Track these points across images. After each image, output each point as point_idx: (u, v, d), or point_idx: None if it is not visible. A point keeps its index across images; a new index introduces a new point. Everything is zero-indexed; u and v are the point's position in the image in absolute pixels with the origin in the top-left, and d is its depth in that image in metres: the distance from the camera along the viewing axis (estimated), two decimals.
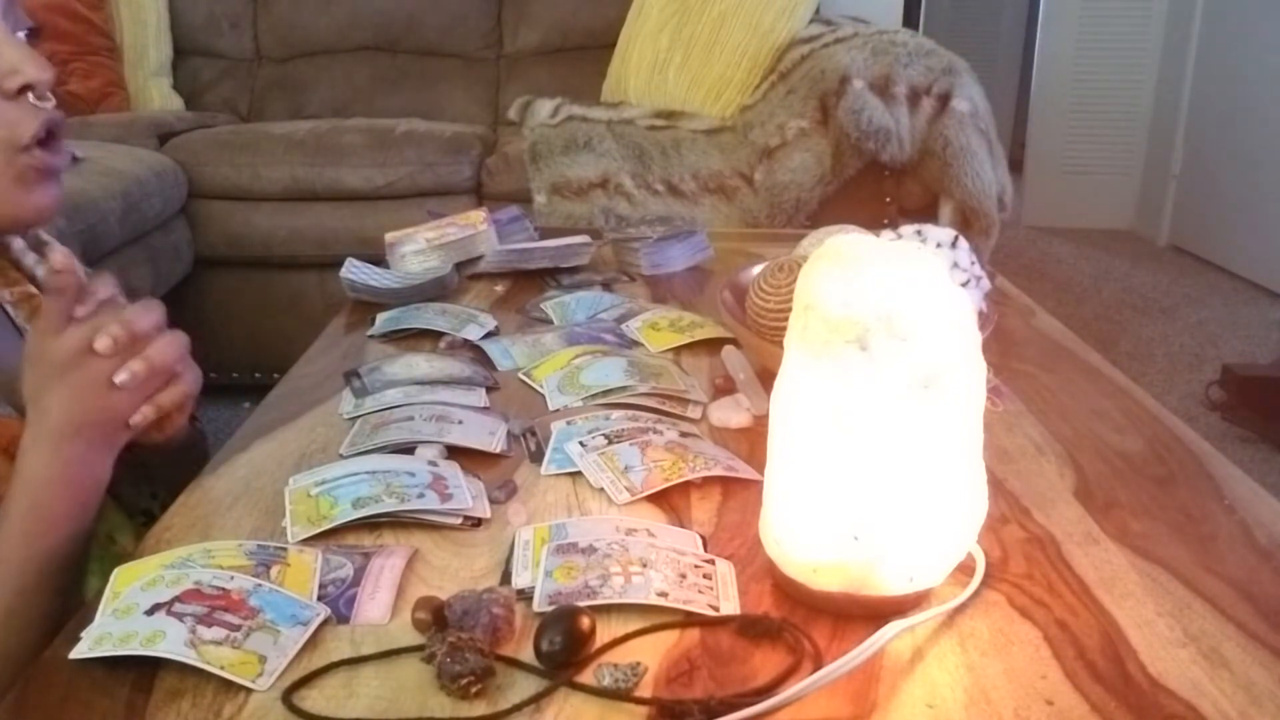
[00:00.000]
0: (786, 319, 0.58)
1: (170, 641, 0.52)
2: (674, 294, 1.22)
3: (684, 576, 0.59)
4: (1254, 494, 0.73)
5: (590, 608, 0.55)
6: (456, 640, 0.52)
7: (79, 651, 0.52)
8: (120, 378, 0.66)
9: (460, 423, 0.80)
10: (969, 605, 0.59)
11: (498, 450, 0.78)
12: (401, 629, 0.56)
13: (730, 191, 2.11)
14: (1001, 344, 1.03)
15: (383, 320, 1.08)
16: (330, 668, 0.53)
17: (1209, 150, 3.60)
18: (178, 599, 0.55)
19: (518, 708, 0.50)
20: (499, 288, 1.24)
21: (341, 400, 0.88)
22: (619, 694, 0.51)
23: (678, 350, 1.00)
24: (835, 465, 0.55)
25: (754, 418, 0.84)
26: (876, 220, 2.06)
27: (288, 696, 0.50)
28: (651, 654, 0.54)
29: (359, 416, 0.83)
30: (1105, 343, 2.78)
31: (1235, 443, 2.24)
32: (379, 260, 1.27)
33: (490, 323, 1.07)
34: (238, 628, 0.54)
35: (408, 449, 0.76)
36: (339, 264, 1.22)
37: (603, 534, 0.63)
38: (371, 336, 1.06)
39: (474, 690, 0.50)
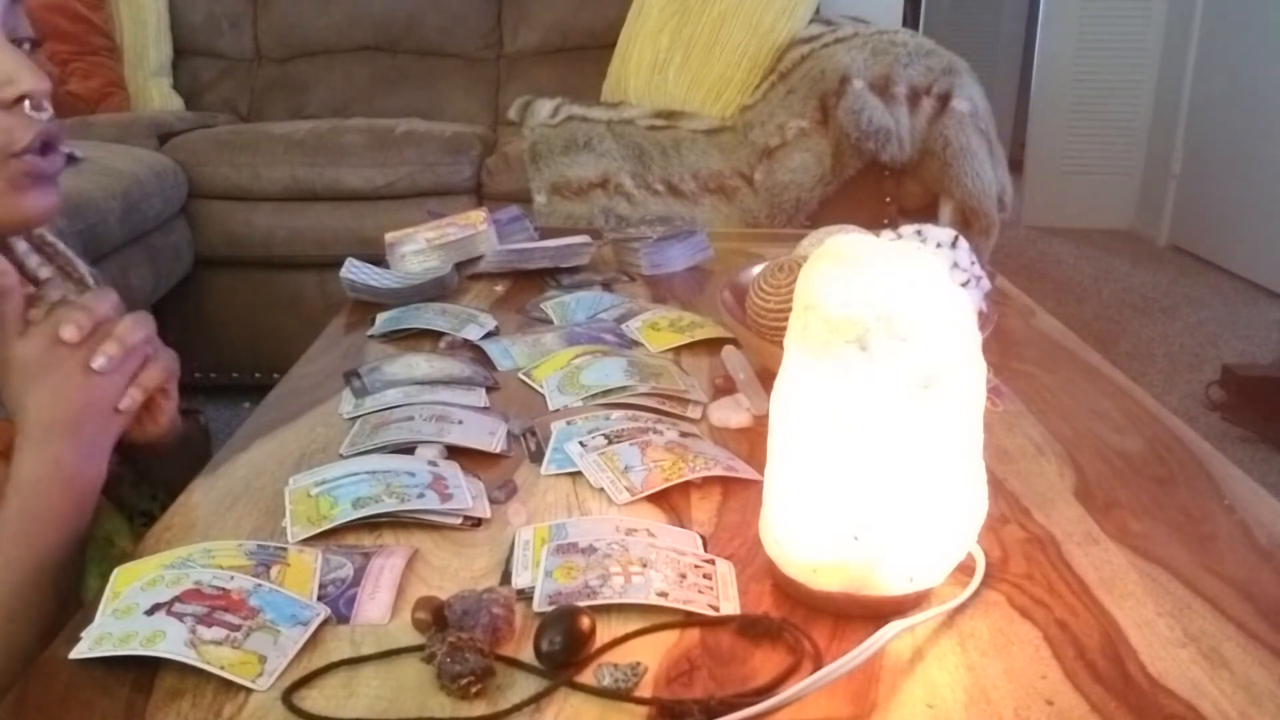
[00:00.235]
0: (786, 319, 0.58)
1: (170, 641, 0.52)
2: (674, 294, 1.22)
3: (684, 576, 0.59)
4: (1254, 494, 0.73)
5: (590, 608, 0.55)
6: (456, 640, 0.52)
7: (79, 651, 0.52)
8: (97, 362, 0.67)
9: (460, 423, 0.80)
10: (969, 605, 0.59)
11: (498, 450, 0.78)
12: (401, 629, 0.56)
13: (730, 191, 2.11)
14: (1001, 344, 1.03)
15: (383, 320, 1.08)
16: (330, 668, 0.53)
17: (1209, 150, 3.60)
18: (178, 599, 0.55)
19: (518, 708, 0.50)
20: (499, 288, 1.24)
21: (341, 400, 0.88)
22: (619, 694, 0.51)
23: (678, 350, 1.00)
24: (835, 465, 0.55)
25: (754, 418, 0.84)
26: (876, 220, 2.06)
27: (288, 696, 0.50)
28: (651, 654, 0.54)
29: (359, 416, 0.83)
30: (1105, 343, 2.78)
31: (1235, 443, 2.24)
32: (379, 260, 1.27)
33: (490, 323, 1.07)
34: (238, 628, 0.54)
35: (408, 449, 0.76)
36: (339, 264, 1.22)
37: (603, 534, 0.63)
38: (371, 336, 1.06)
39: (474, 690, 0.50)
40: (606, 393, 0.87)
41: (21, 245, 0.80)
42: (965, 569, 0.60)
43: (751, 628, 0.56)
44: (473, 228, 1.29)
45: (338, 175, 2.23)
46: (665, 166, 2.13)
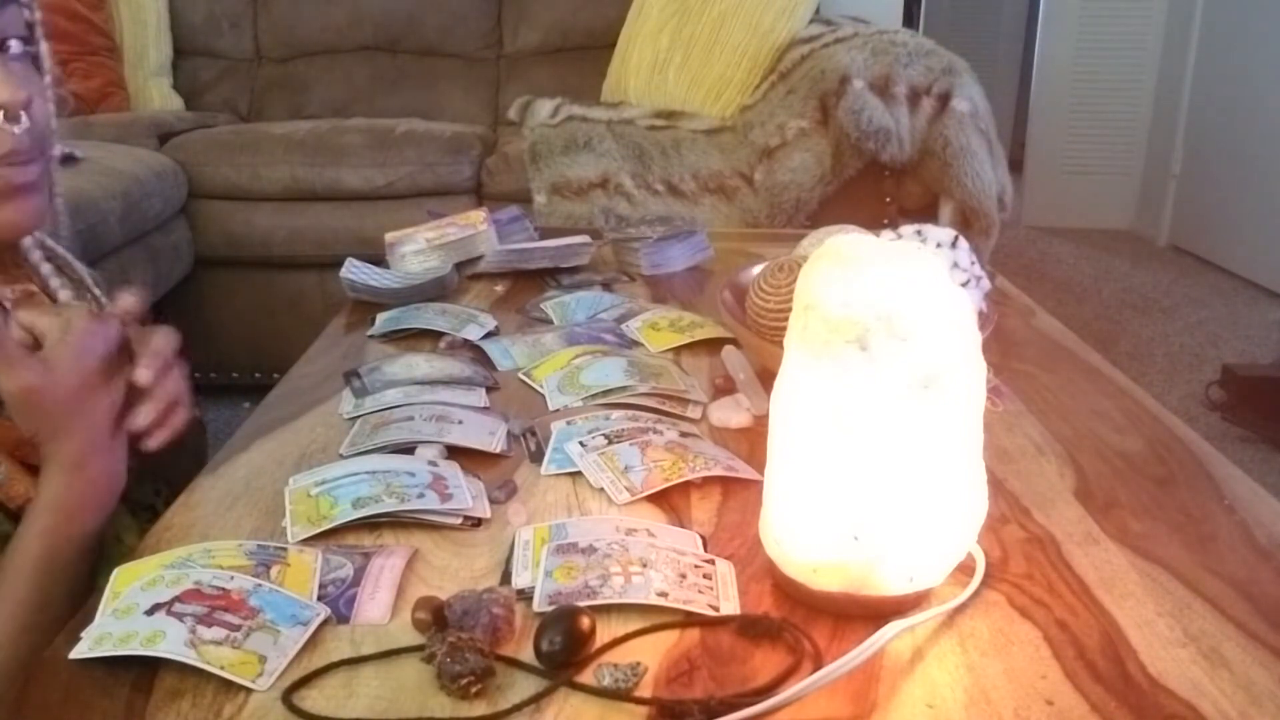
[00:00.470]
0: (786, 319, 0.58)
1: (170, 641, 0.52)
2: (674, 294, 1.22)
3: (684, 576, 0.59)
4: (1254, 494, 0.73)
5: (590, 608, 0.55)
6: (456, 640, 0.52)
7: (79, 651, 0.52)
8: (139, 422, 0.67)
9: (460, 423, 0.80)
10: (969, 605, 0.59)
11: (498, 450, 0.78)
12: (401, 629, 0.56)
13: (730, 191, 2.11)
14: (1001, 344, 1.03)
15: (383, 320, 1.08)
16: (330, 668, 0.53)
17: (1209, 150, 3.60)
18: (178, 599, 0.55)
19: (518, 708, 0.50)
20: (499, 288, 1.24)
21: (341, 400, 0.88)
22: (619, 694, 0.51)
23: (678, 350, 1.00)
24: (835, 465, 0.55)
25: (754, 418, 0.84)
26: (876, 220, 2.06)
27: (288, 696, 0.50)
28: (651, 654, 0.54)
29: (359, 416, 0.83)
30: (1105, 343, 2.78)
31: (1235, 443, 2.24)
32: (379, 260, 1.27)
33: (490, 323, 1.07)
34: (238, 628, 0.54)
35: (408, 449, 0.76)
36: (339, 264, 1.22)
37: (603, 534, 0.63)
38: (371, 336, 1.06)
39: (474, 690, 0.50)
40: (606, 393, 0.87)
41: (35, 253, 0.80)
42: (965, 569, 0.60)
43: (751, 628, 0.56)
44: (473, 228, 1.29)
45: (338, 175, 2.23)
46: (665, 166, 2.13)
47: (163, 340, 0.69)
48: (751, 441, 0.80)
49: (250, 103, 2.79)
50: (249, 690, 0.51)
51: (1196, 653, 0.55)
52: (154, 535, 0.67)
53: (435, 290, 1.17)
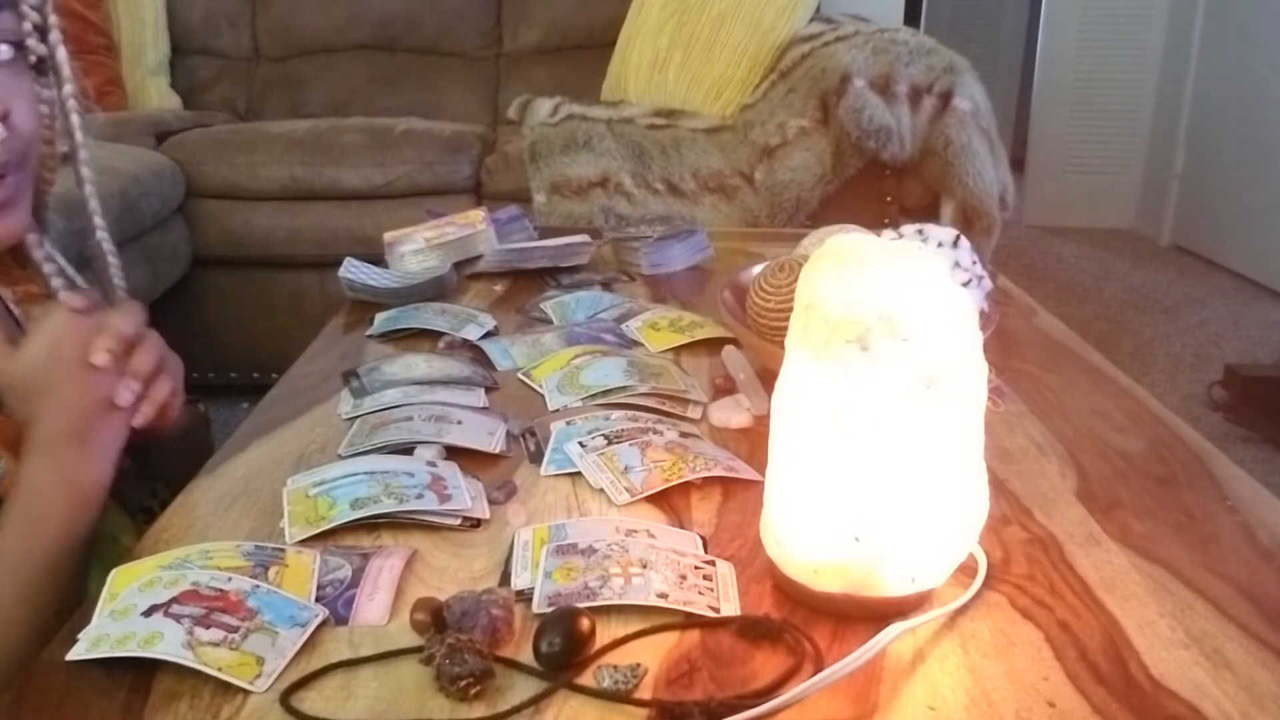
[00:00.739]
0: (787, 319, 0.58)
1: (168, 643, 0.52)
2: (674, 294, 1.22)
3: (684, 577, 0.59)
4: (1256, 494, 0.73)
5: (590, 609, 0.55)
6: (455, 642, 0.51)
7: (76, 653, 0.52)
8: (123, 399, 0.67)
9: (459, 423, 0.80)
10: (970, 606, 0.58)
11: (497, 451, 0.77)
12: (400, 630, 0.56)
13: (730, 191, 2.10)
14: (1003, 344, 1.03)
15: (381, 320, 1.08)
16: (328, 669, 0.53)
17: (1211, 149, 3.59)
18: (175, 600, 0.55)
19: (517, 709, 0.49)
20: (498, 287, 1.24)
21: (340, 400, 0.88)
22: (619, 695, 0.50)
23: (678, 350, 1.00)
24: (836, 466, 0.55)
25: (754, 418, 0.83)
26: (877, 220, 2.05)
27: (286, 698, 0.50)
28: (651, 655, 0.53)
29: (357, 417, 0.83)
30: (1107, 343, 2.78)
31: (1237, 443, 2.24)
32: (378, 260, 1.26)
33: (489, 322, 1.07)
34: (235, 629, 0.53)
35: (406, 449, 0.76)
36: (338, 263, 1.22)
37: (602, 535, 0.63)
38: (370, 336, 1.06)
39: (473, 692, 0.50)
40: (606, 393, 0.86)
41: (38, 252, 0.80)
42: (967, 570, 0.60)
43: (752, 629, 0.55)
44: (472, 227, 1.29)
45: (336, 174, 2.23)
46: (665, 166, 2.13)
47: (120, 320, 0.69)
48: (752, 442, 0.80)
49: (249, 101, 2.79)
50: (247, 692, 0.51)
51: (1199, 654, 0.54)
52: (151, 536, 0.67)
53: (434, 290, 1.17)
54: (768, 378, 0.73)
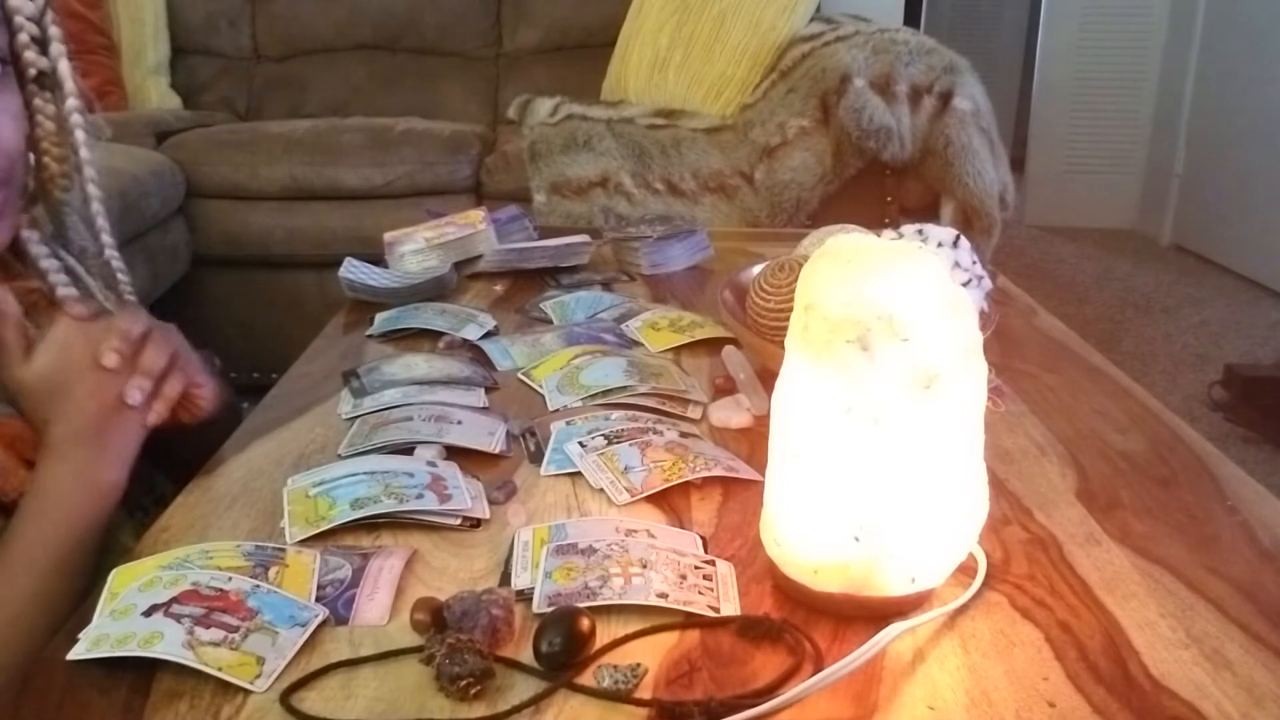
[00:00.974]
0: (787, 319, 0.58)
1: (168, 643, 0.52)
2: (674, 294, 1.22)
3: (684, 577, 0.59)
4: (1257, 494, 0.73)
5: (590, 609, 0.55)
6: (455, 642, 0.51)
7: (76, 653, 0.52)
8: (132, 398, 0.68)
9: (459, 423, 0.80)
10: (970, 606, 0.58)
11: (497, 450, 0.77)
12: (400, 630, 0.56)
13: (730, 191, 2.10)
14: (1003, 344, 1.03)
15: (381, 320, 1.08)
16: (329, 669, 0.53)
17: (1212, 149, 3.59)
18: (175, 600, 0.55)
19: (517, 709, 0.49)
20: (498, 287, 1.24)
21: (340, 400, 0.88)
22: (619, 695, 0.50)
23: (678, 350, 1.00)
24: (836, 465, 0.55)
25: (754, 418, 0.83)
26: (877, 220, 2.05)
27: (286, 698, 0.50)
28: (651, 655, 0.53)
29: (357, 417, 0.83)
30: (1107, 342, 2.78)
31: (1238, 443, 2.24)
32: (378, 260, 1.26)
33: (489, 322, 1.07)
34: (236, 629, 0.53)
35: (406, 449, 0.76)
36: (338, 263, 1.22)
37: (602, 535, 0.63)
38: (370, 336, 1.05)
39: (473, 692, 0.50)
40: (606, 393, 0.86)
41: (42, 249, 0.80)
42: (967, 570, 0.60)
43: (752, 629, 0.55)
44: (472, 227, 1.29)
45: (336, 174, 2.23)
46: (665, 165, 2.13)
47: (125, 322, 0.69)
48: (752, 442, 0.80)
49: (248, 101, 2.78)
50: (247, 692, 0.51)
51: (1199, 654, 0.54)
52: (151, 536, 0.67)
53: (434, 290, 1.17)
54: (768, 378, 0.73)
